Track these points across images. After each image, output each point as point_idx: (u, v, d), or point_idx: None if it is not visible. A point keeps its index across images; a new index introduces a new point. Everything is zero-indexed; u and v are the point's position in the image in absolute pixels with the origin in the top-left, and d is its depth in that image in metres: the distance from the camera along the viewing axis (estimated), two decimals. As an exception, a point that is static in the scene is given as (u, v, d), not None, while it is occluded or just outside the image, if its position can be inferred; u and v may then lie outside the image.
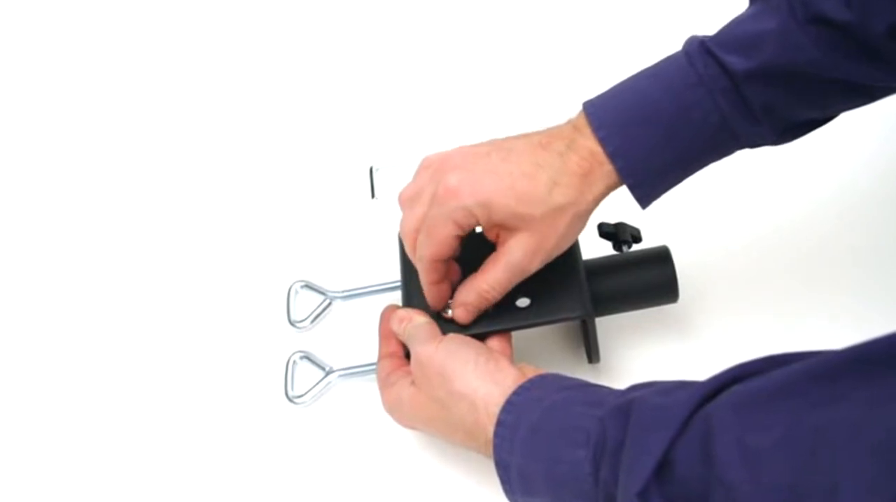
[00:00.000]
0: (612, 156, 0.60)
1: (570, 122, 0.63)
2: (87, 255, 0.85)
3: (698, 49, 0.60)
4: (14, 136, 0.96)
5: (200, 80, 0.98)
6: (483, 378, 0.60)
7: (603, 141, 0.60)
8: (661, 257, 0.68)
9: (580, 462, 0.53)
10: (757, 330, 0.71)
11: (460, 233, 0.62)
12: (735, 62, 0.58)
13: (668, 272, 0.68)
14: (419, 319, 0.66)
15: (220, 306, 0.80)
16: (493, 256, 0.64)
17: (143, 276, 0.83)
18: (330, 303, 0.78)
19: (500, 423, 0.57)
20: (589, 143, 0.61)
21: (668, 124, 0.60)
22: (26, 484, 0.72)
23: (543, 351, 0.73)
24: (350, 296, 0.78)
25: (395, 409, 0.65)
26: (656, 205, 0.79)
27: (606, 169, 0.61)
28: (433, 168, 0.63)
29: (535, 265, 0.63)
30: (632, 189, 0.62)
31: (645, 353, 0.72)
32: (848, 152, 0.81)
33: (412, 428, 0.66)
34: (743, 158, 0.82)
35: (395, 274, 0.73)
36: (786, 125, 0.62)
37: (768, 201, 0.79)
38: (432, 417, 0.62)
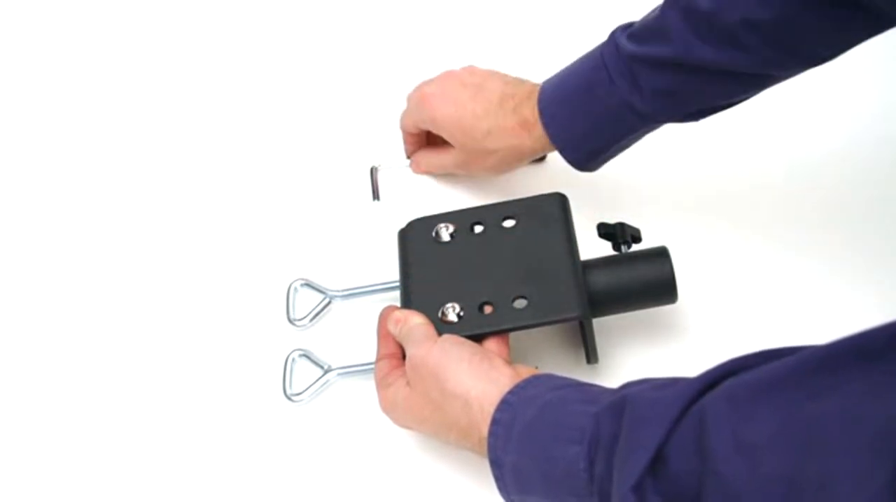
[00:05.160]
0: (546, 125, 0.73)
1: (535, 85, 0.75)
2: (87, 254, 0.85)
3: (611, 34, 0.70)
4: (14, 136, 0.96)
5: (201, 81, 0.98)
6: (477, 377, 0.60)
7: (541, 112, 0.73)
8: (660, 257, 0.68)
9: (575, 458, 0.53)
10: (756, 330, 0.71)
11: (420, 129, 0.82)
12: (626, 46, 0.68)
13: (667, 272, 0.68)
14: (415, 320, 0.66)
15: (220, 303, 0.80)
16: (441, 147, 0.82)
17: (144, 274, 0.83)
18: (329, 302, 0.78)
19: (494, 422, 0.57)
20: (527, 112, 0.74)
21: (581, 101, 0.71)
22: (25, 483, 0.72)
23: (542, 351, 0.73)
24: (350, 295, 0.78)
25: (391, 410, 0.66)
26: (656, 205, 0.80)
27: (535, 134, 0.74)
28: (440, 74, 0.81)
29: (461, 172, 0.83)
30: (561, 152, 0.74)
31: (644, 354, 0.72)
32: (849, 154, 0.81)
33: (408, 428, 0.67)
34: (743, 159, 0.82)
35: (394, 274, 0.73)
36: (683, 111, 0.70)
37: (767, 202, 0.79)
38: (427, 417, 0.63)
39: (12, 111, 0.98)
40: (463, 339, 0.64)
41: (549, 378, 0.60)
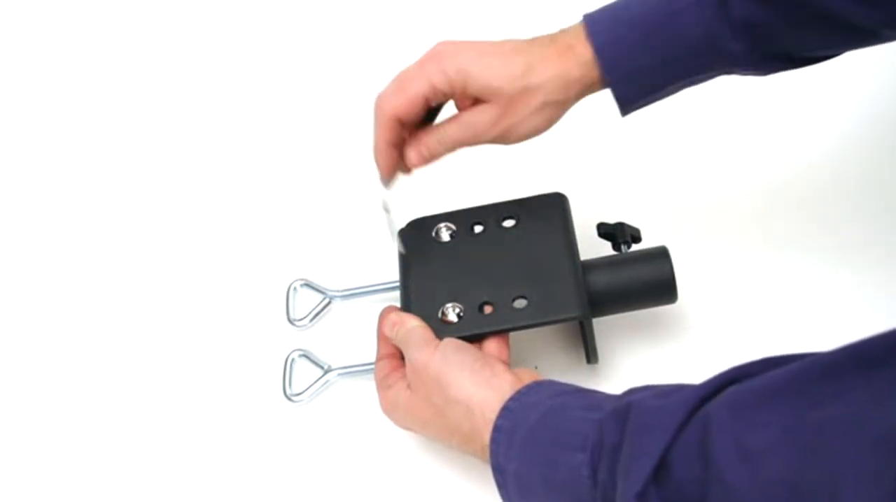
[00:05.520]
0: (598, 49, 0.63)
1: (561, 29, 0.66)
2: (87, 254, 0.85)
3: None
4: (14, 136, 0.96)
5: (201, 81, 0.98)
6: (479, 384, 0.60)
7: (592, 36, 0.63)
8: (660, 257, 0.68)
9: (578, 465, 0.53)
10: (756, 330, 0.71)
11: (430, 95, 0.64)
12: None
13: (666, 272, 0.67)
14: (412, 323, 0.66)
15: (219, 304, 0.80)
16: (456, 114, 0.66)
17: (143, 275, 0.83)
18: (329, 302, 0.78)
19: (496, 428, 0.57)
20: (568, 39, 0.64)
21: (656, 27, 0.62)
22: (26, 483, 0.72)
23: (542, 351, 0.73)
24: (349, 295, 0.78)
25: (392, 411, 0.66)
26: (656, 205, 0.79)
27: (583, 59, 0.64)
28: None
29: (491, 134, 0.66)
30: (613, 85, 0.64)
31: (644, 354, 0.72)
32: (851, 151, 0.81)
33: (409, 430, 0.66)
34: (743, 159, 0.82)
35: (394, 274, 0.73)
36: (765, 51, 0.63)
37: (768, 201, 0.79)
38: (428, 421, 0.63)
39: (12, 111, 0.98)
40: (464, 344, 0.64)
41: (551, 384, 0.60)
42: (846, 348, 0.43)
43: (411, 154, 0.67)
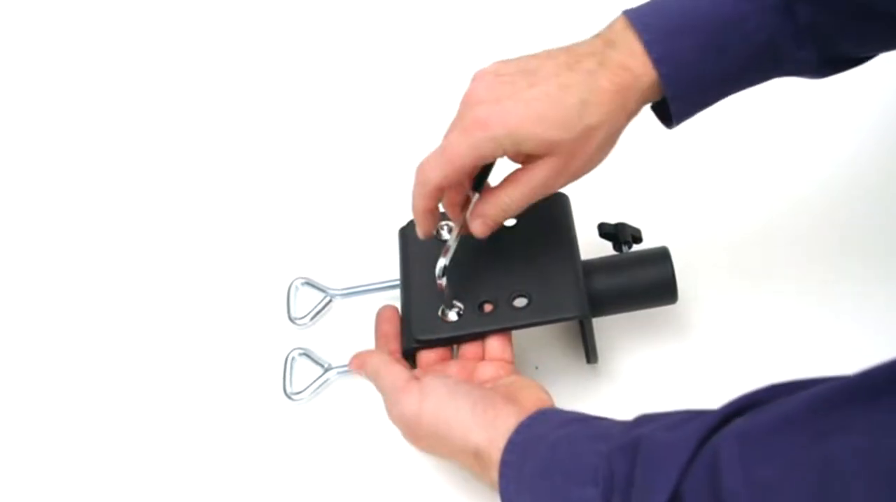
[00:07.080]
0: (658, 62, 0.58)
1: (599, 35, 0.60)
2: (88, 252, 0.85)
3: None
4: (14, 136, 0.96)
5: (202, 80, 0.98)
6: (483, 427, 0.58)
7: (648, 45, 0.58)
8: (661, 257, 0.68)
9: (590, 499, 0.52)
10: (756, 330, 0.71)
11: (481, 163, 0.61)
12: None
13: (667, 272, 0.68)
14: (374, 362, 0.64)
15: (220, 302, 0.80)
16: (514, 173, 0.62)
17: (144, 273, 0.83)
18: (330, 301, 0.78)
19: (504, 463, 0.56)
20: (621, 58, 0.58)
21: (717, 35, 0.58)
22: (25, 483, 0.73)
23: (542, 351, 0.73)
24: (350, 293, 0.78)
25: (400, 428, 0.64)
26: (657, 205, 0.79)
27: (642, 82, 0.59)
28: (461, 102, 0.61)
29: (559, 185, 0.62)
30: (671, 101, 0.60)
31: (644, 354, 0.72)
32: (850, 157, 0.81)
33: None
34: (743, 159, 0.82)
35: (395, 273, 0.73)
36: (828, 54, 0.60)
37: (769, 202, 0.79)
38: (436, 453, 0.63)
39: (12, 112, 0.98)
40: (452, 384, 0.61)
41: (555, 412, 0.59)
42: (855, 377, 0.42)
43: (476, 226, 0.64)
